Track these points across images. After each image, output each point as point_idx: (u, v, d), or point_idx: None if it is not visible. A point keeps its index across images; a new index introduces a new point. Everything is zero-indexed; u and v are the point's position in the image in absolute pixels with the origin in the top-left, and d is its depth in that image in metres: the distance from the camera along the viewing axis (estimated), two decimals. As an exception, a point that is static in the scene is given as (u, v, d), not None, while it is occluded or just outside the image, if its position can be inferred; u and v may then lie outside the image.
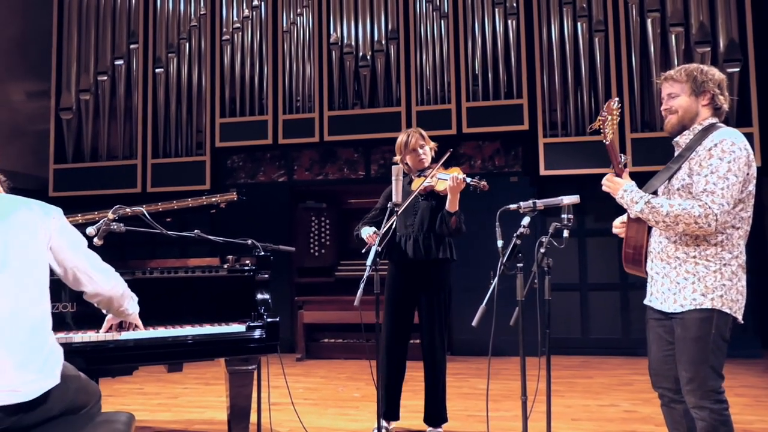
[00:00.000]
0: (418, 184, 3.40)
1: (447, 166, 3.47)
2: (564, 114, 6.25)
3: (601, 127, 2.27)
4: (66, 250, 1.90)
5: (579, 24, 6.24)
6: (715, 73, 2.27)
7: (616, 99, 2.32)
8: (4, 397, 1.62)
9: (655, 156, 5.61)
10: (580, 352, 6.06)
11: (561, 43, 6.27)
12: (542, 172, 6.14)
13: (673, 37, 6.03)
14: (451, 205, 3.28)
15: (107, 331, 2.23)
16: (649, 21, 6.09)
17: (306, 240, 6.72)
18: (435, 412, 3.42)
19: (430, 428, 3.41)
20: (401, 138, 3.53)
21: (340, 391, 4.68)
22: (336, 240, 6.77)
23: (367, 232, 3.41)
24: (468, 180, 3.25)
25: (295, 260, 6.53)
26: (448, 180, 3.27)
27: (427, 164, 3.51)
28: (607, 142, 2.28)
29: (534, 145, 6.25)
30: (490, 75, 6.33)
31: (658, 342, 2.35)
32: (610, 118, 2.27)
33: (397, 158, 3.55)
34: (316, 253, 6.72)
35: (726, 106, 2.28)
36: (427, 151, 3.51)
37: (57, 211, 1.94)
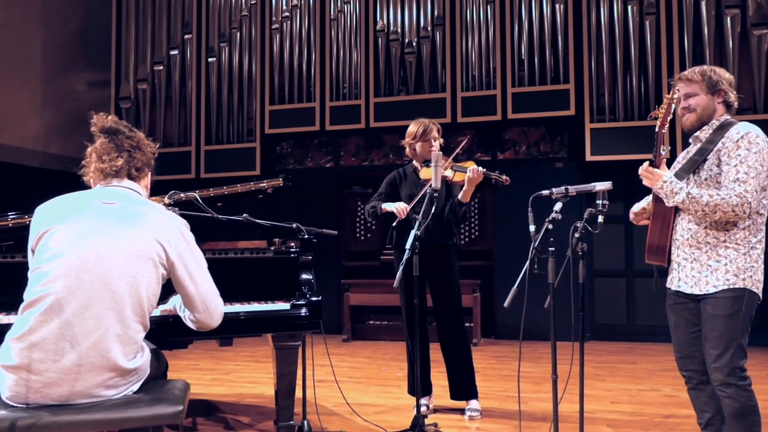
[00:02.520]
0: (429, 174, 3.50)
1: (457, 160, 3.57)
2: (612, 99, 6.17)
3: (662, 114, 2.34)
4: None
5: (629, 6, 6.13)
6: (725, 73, 2.43)
7: (677, 88, 2.41)
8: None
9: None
10: (626, 338, 6.04)
11: (610, 27, 6.18)
12: (588, 157, 6.10)
13: (728, 19, 5.86)
14: (466, 195, 3.41)
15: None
16: (703, 2, 5.93)
17: (352, 225, 6.88)
18: (460, 386, 3.53)
19: (469, 405, 3.51)
20: (418, 126, 3.61)
21: (384, 371, 4.83)
22: (382, 225, 6.89)
23: (392, 205, 3.48)
24: (487, 173, 3.34)
25: (341, 244, 6.71)
26: (467, 172, 3.37)
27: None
28: (664, 131, 2.35)
29: (580, 131, 6.20)
30: (536, 60, 6.29)
31: (684, 325, 2.43)
32: (673, 107, 2.35)
33: (406, 142, 3.65)
34: (362, 238, 6.88)
35: (735, 102, 2.43)
36: (437, 146, 3.61)
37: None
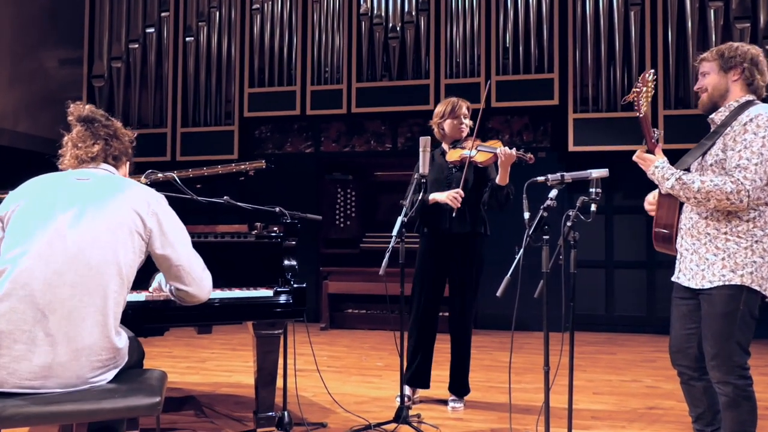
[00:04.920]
0: (455, 156, 3.37)
1: (485, 139, 3.42)
2: (596, 89, 6.14)
3: (636, 99, 2.25)
4: None
5: (614, -3, 6.09)
6: (748, 48, 2.25)
7: (652, 71, 2.29)
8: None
9: (688, 134, 5.48)
10: (604, 329, 6.05)
11: (595, 17, 6.13)
12: (571, 147, 6.07)
13: (711, 12, 5.85)
14: (503, 178, 3.23)
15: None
16: (687, -5, 5.92)
17: (332, 211, 6.77)
18: (460, 383, 3.46)
19: (454, 397, 3.45)
20: (447, 103, 3.44)
21: (364, 360, 4.75)
22: (361, 212, 6.81)
23: (442, 195, 3.26)
24: (518, 153, 3.18)
25: (320, 231, 6.59)
26: (497, 152, 3.19)
27: (464, 136, 3.45)
28: (641, 115, 2.25)
29: (563, 121, 6.17)
30: (521, 48, 6.23)
31: (681, 320, 2.35)
32: (644, 89, 2.24)
33: (434, 122, 3.47)
34: (342, 225, 6.77)
35: (762, 81, 2.25)
36: (467, 124, 3.46)
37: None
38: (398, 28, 6.49)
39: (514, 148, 3.20)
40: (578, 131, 6.08)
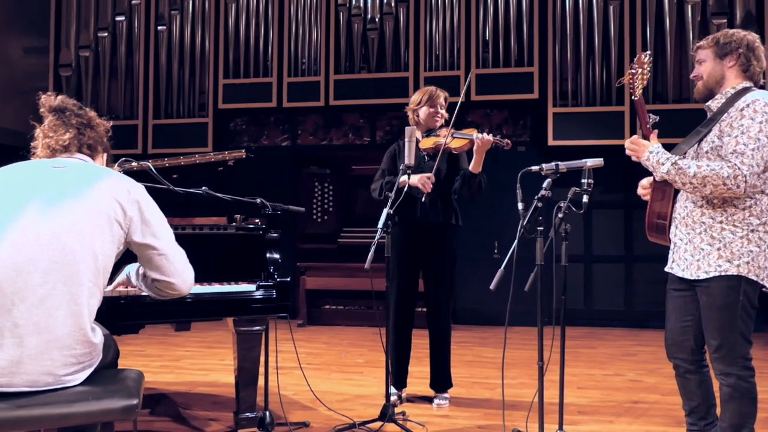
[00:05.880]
0: (429, 143, 3.29)
1: (459, 128, 3.34)
2: (575, 84, 6.13)
3: (631, 81, 2.19)
4: None
5: (594, -9, 6.08)
6: (744, 34, 2.21)
7: (648, 52, 2.25)
8: None
9: (666, 128, 5.48)
10: (583, 323, 6.04)
11: (575, 12, 6.12)
12: (550, 142, 6.05)
13: (689, 7, 5.89)
14: (477, 165, 3.17)
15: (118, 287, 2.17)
16: (665, -10, 5.94)
17: (309, 206, 6.65)
18: (442, 378, 3.39)
19: (438, 394, 3.38)
20: (424, 92, 3.37)
21: (343, 357, 4.65)
22: (339, 207, 6.70)
23: (414, 178, 3.08)
24: (495, 139, 3.11)
25: (297, 226, 6.47)
26: (473, 138, 3.12)
27: (438, 126, 3.39)
28: (636, 98, 2.20)
29: (543, 115, 6.15)
30: (501, 42, 6.18)
31: (677, 312, 2.31)
32: (640, 71, 2.18)
33: (410, 108, 3.40)
34: (319, 220, 6.66)
35: (758, 68, 2.21)
36: (443, 114, 3.40)
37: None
38: (377, 20, 6.38)
39: (491, 134, 3.14)
40: (558, 125, 6.06)
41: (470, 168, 3.20)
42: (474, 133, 3.18)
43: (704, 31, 5.85)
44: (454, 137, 3.22)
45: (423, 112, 3.36)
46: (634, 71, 2.19)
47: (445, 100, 3.39)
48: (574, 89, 6.13)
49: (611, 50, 6.03)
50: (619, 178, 5.76)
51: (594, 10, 6.07)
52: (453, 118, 3.25)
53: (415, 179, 3.13)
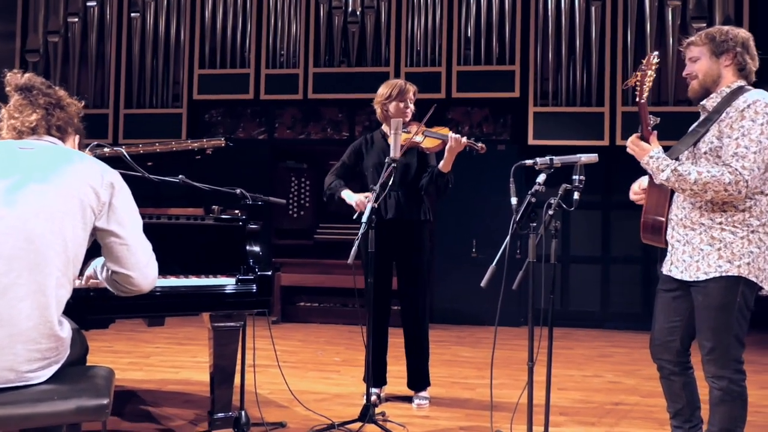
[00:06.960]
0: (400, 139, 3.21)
1: (431, 125, 3.27)
2: (555, 84, 6.11)
3: (638, 83, 2.14)
4: None
5: (576, -8, 6.07)
6: (738, 32, 2.17)
7: (656, 53, 2.20)
8: None
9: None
10: (559, 324, 6.01)
11: (557, 12, 6.11)
12: (530, 141, 6.03)
13: (669, 10, 5.93)
14: (447, 165, 3.13)
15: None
16: (646, -7, 5.96)
17: (285, 201, 6.51)
18: (419, 377, 3.32)
19: (418, 393, 3.30)
20: (393, 85, 3.28)
21: (320, 355, 4.55)
22: (316, 202, 6.57)
23: (352, 197, 3.18)
24: (468, 142, 3.07)
25: (272, 221, 6.33)
26: (446, 139, 3.09)
27: (408, 119, 3.31)
28: (642, 101, 2.15)
29: (523, 114, 6.12)
30: (482, 40, 6.14)
31: (665, 312, 2.27)
32: (649, 73, 2.14)
33: (378, 102, 3.30)
34: (295, 215, 6.53)
35: (753, 66, 2.18)
36: (412, 108, 3.32)
37: None
38: (358, 13, 6.28)
39: (465, 137, 3.08)
40: (538, 125, 6.04)
41: (440, 167, 3.15)
42: (448, 133, 3.14)
43: (684, 34, 5.88)
44: (427, 136, 3.18)
45: (393, 106, 3.27)
46: (642, 72, 2.16)
47: (414, 93, 3.32)
48: (555, 89, 6.12)
49: (592, 51, 6.03)
50: (598, 180, 5.76)
51: (576, 11, 6.06)
52: (428, 115, 3.19)
53: (352, 199, 3.18)
